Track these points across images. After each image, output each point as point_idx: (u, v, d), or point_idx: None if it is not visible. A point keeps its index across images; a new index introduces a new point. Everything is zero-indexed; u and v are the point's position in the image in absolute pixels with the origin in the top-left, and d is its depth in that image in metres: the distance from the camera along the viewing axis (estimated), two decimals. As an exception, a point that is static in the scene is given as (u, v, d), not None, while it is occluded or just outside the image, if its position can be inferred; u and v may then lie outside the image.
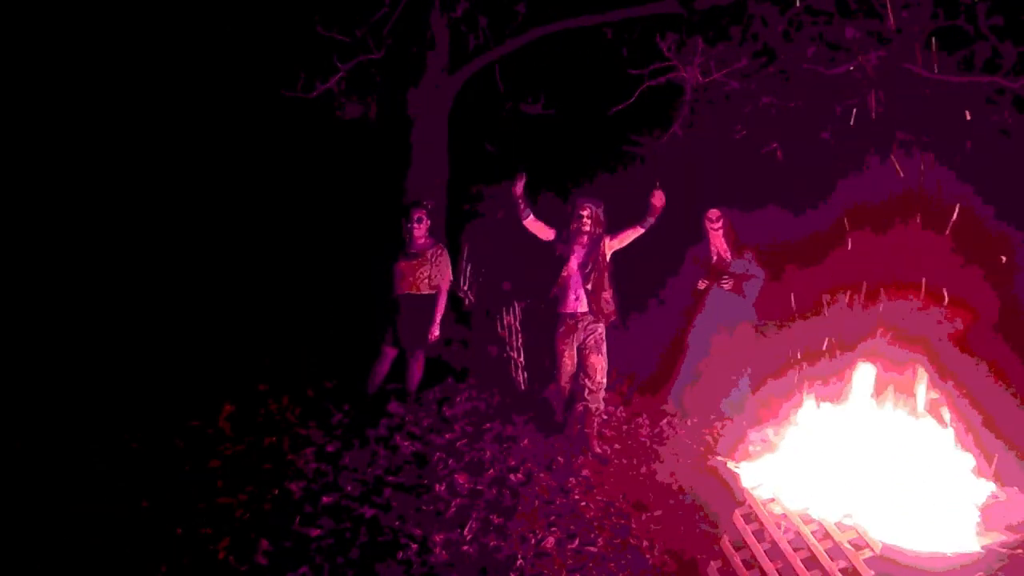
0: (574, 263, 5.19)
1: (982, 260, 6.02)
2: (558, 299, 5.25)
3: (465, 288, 6.18)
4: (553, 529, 4.07)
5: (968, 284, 5.96)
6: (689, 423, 5.69)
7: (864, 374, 4.29)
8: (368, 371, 5.72)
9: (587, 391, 5.17)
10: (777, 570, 3.45)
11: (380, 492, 4.37)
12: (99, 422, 5.05)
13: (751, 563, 3.57)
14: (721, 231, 5.80)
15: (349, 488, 4.40)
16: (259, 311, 7.79)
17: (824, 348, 5.42)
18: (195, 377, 5.97)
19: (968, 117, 6.21)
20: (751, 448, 4.71)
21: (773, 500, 3.80)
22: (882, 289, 5.95)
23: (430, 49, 7.63)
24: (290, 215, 9.55)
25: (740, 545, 3.67)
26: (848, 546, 3.42)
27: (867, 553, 3.40)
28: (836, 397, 4.46)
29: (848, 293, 6.09)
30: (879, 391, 4.29)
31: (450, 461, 4.84)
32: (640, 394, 6.09)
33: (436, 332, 5.67)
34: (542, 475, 4.72)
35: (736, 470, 4.31)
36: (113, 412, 5.21)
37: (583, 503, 4.42)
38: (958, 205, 5.58)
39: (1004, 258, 5.89)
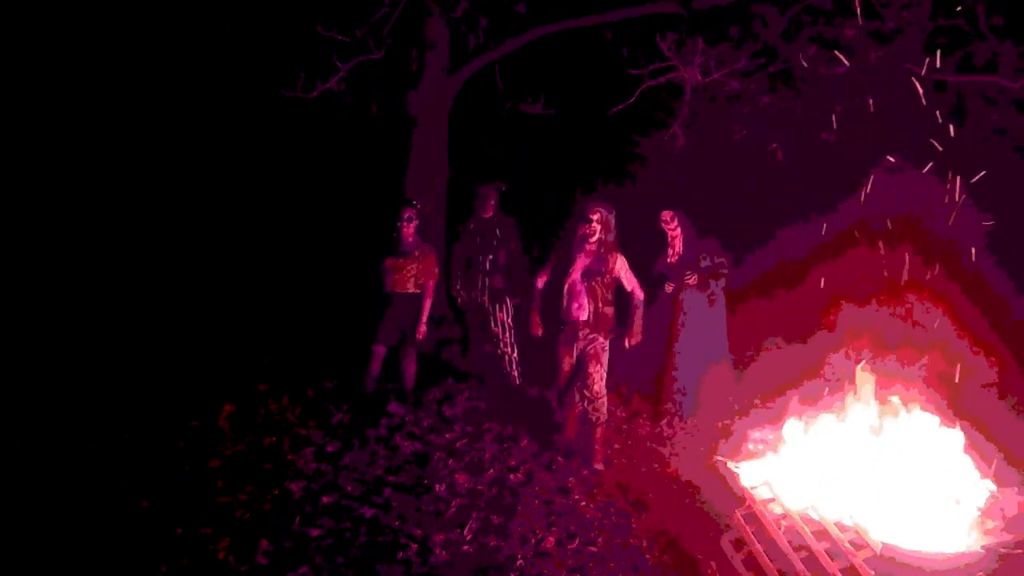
0: (578, 271, 4.98)
1: (982, 260, 6.03)
2: (561, 304, 5.08)
3: (458, 287, 6.20)
4: (553, 529, 4.07)
5: (967, 283, 5.97)
6: (689, 423, 5.70)
7: (864, 379, 4.30)
8: (363, 371, 5.75)
9: (586, 401, 5.00)
10: (777, 570, 3.45)
11: (380, 492, 4.37)
12: (99, 422, 5.05)
13: (751, 563, 3.57)
14: (678, 231, 5.82)
15: (349, 488, 4.39)
16: (259, 311, 7.79)
17: (825, 351, 5.43)
18: (195, 377, 5.97)
19: (968, 118, 6.22)
20: (751, 448, 4.71)
21: (773, 500, 3.80)
22: (882, 288, 5.96)
23: (430, 49, 7.63)
24: (290, 215, 9.55)
25: (740, 545, 3.67)
26: (848, 546, 3.43)
27: (867, 553, 3.40)
28: (836, 399, 4.47)
29: (852, 290, 6.10)
30: (878, 391, 4.29)
31: (450, 461, 4.83)
32: (640, 394, 6.09)
33: (424, 330, 5.71)
34: (542, 475, 4.72)
35: (736, 470, 4.31)
36: (113, 412, 5.21)
37: (583, 503, 4.42)
38: (958, 204, 5.58)
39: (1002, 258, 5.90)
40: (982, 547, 3.49)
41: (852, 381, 4.40)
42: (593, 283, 4.94)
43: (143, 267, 8.51)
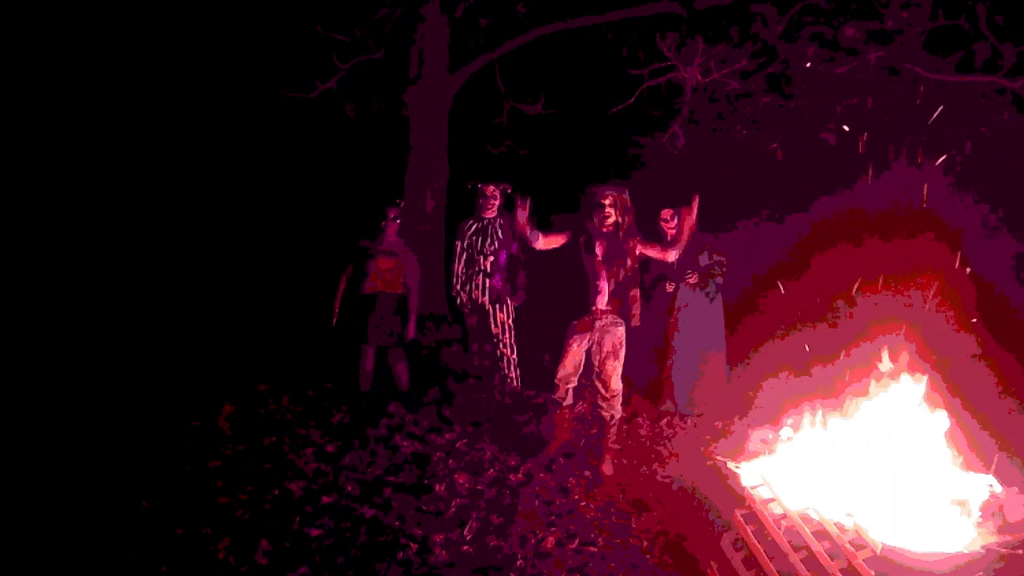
0: (599, 256, 4.71)
1: (981, 260, 6.03)
2: (583, 293, 4.80)
3: (458, 287, 6.19)
4: (553, 529, 4.07)
5: (966, 284, 5.97)
6: (689, 423, 5.70)
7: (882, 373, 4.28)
8: (358, 371, 5.80)
9: (600, 398, 4.77)
10: (777, 570, 3.45)
11: (380, 492, 4.37)
12: (99, 422, 5.05)
13: (751, 563, 3.57)
14: (676, 230, 5.82)
15: (349, 488, 4.39)
16: (260, 311, 7.79)
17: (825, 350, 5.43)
18: (195, 377, 5.97)
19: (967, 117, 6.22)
20: (751, 448, 4.71)
21: (773, 500, 3.79)
22: (883, 289, 5.96)
23: (430, 49, 7.64)
24: (291, 215, 9.55)
25: (740, 545, 3.67)
26: (848, 546, 3.42)
27: (867, 553, 3.40)
28: (836, 399, 4.46)
29: (852, 289, 6.10)
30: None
31: (450, 461, 4.83)
32: (639, 394, 6.09)
33: (413, 330, 5.78)
34: (542, 475, 4.71)
35: (736, 470, 4.30)
36: (113, 412, 5.21)
37: (583, 503, 4.41)
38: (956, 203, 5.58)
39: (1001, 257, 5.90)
40: (982, 547, 3.49)
41: (859, 376, 4.39)
42: (614, 268, 4.69)
43: (143, 267, 8.51)
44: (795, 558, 3.44)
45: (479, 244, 6.11)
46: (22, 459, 4.46)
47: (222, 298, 8.13)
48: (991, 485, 3.91)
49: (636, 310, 4.77)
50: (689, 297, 5.84)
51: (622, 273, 4.69)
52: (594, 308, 4.72)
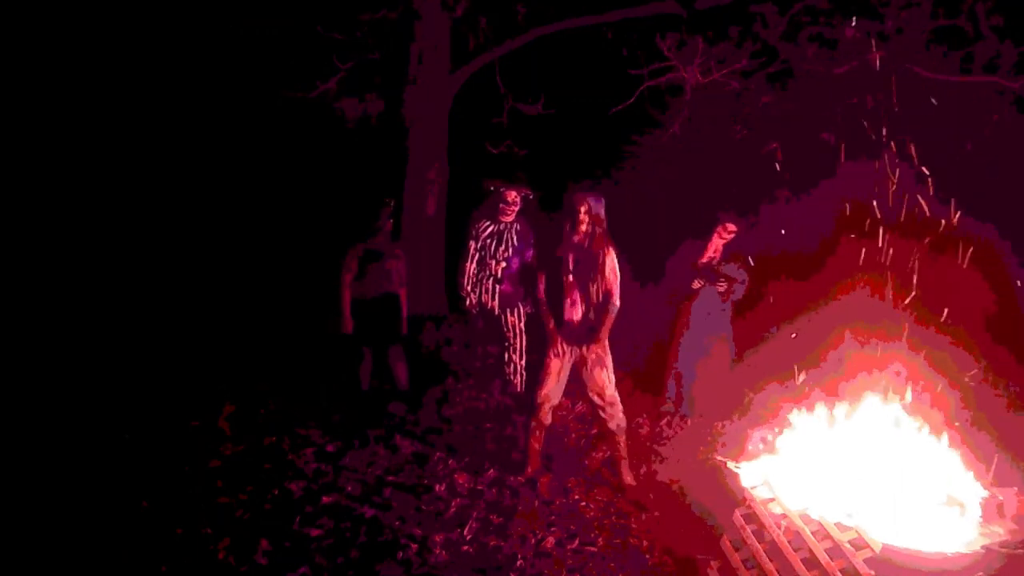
0: (571, 267, 4.55)
1: (980, 260, 6.02)
2: (557, 305, 4.66)
3: (468, 288, 6.14)
4: (553, 529, 4.07)
5: (965, 284, 5.96)
6: (689, 423, 5.70)
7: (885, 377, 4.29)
8: (357, 371, 5.81)
9: (599, 410, 4.60)
10: (777, 570, 3.45)
11: (380, 492, 4.37)
12: (99, 422, 5.05)
13: (751, 563, 3.57)
14: (728, 240, 5.81)
15: (349, 488, 4.39)
16: (260, 311, 7.79)
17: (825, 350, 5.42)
18: (195, 377, 5.97)
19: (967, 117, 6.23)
20: (751, 448, 4.70)
21: (773, 500, 3.79)
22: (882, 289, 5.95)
23: (430, 49, 7.63)
24: (291, 215, 9.55)
25: (740, 545, 3.67)
26: (848, 546, 3.42)
27: (867, 553, 3.39)
28: (836, 398, 4.46)
29: (852, 289, 6.09)
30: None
31: (450, 461, 4.83)
32: (639, 394, 6.08)
33: (405, 327, 5.84)
34: (542, 475, 4.71)
35: (736, 470, 4.30)
36: (113, 412, 5.21)
37: (583, 503, 4.42)
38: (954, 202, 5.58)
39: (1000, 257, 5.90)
40: (982, 547, 3.49)
41: (859, 376, 4.39)
42: (585, 279, 4.54)
43: (145, 267, 8.51)
44: (795, 558, 3.44)
45: (493, 248, 5.88)
46: (23, 459, 4.47)
47: (222, 298, 8.13)
48: (991, 485, 3.91)
49: (608, 322, 4.54)
50: (703, 303, 5.81)
51: (593, 284, 4.53)
52: (571, 320, 4.58)
